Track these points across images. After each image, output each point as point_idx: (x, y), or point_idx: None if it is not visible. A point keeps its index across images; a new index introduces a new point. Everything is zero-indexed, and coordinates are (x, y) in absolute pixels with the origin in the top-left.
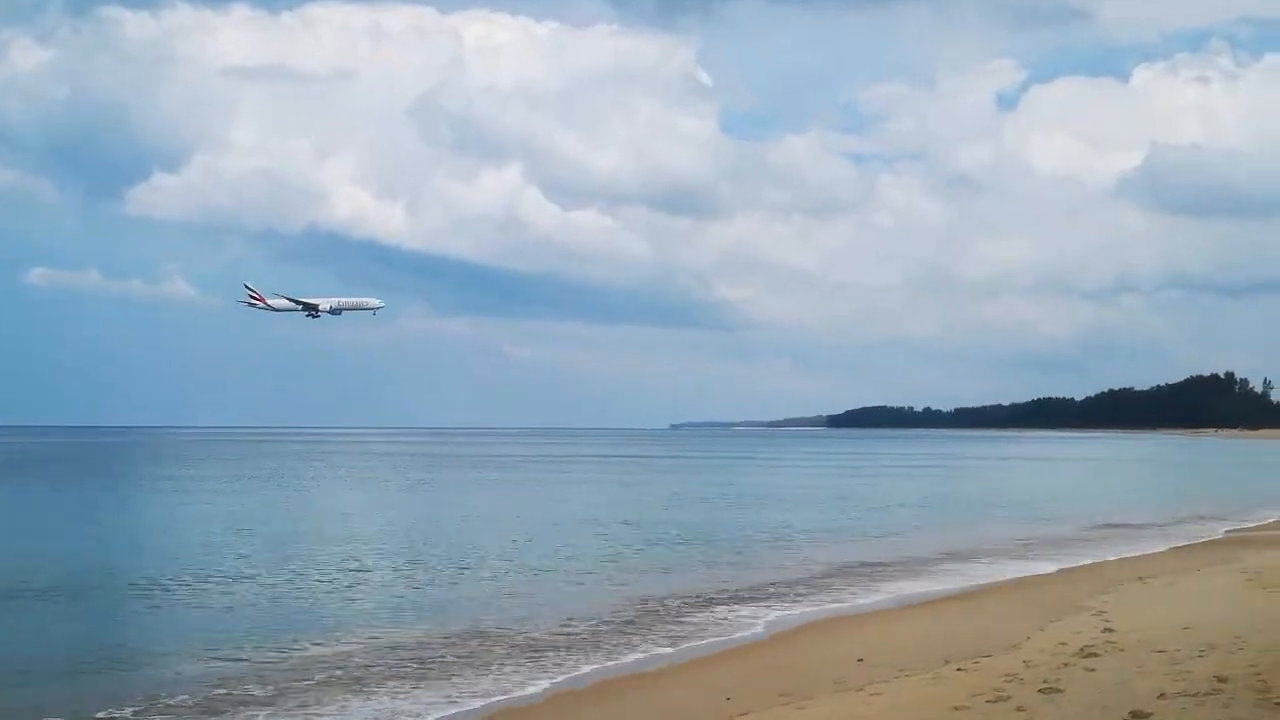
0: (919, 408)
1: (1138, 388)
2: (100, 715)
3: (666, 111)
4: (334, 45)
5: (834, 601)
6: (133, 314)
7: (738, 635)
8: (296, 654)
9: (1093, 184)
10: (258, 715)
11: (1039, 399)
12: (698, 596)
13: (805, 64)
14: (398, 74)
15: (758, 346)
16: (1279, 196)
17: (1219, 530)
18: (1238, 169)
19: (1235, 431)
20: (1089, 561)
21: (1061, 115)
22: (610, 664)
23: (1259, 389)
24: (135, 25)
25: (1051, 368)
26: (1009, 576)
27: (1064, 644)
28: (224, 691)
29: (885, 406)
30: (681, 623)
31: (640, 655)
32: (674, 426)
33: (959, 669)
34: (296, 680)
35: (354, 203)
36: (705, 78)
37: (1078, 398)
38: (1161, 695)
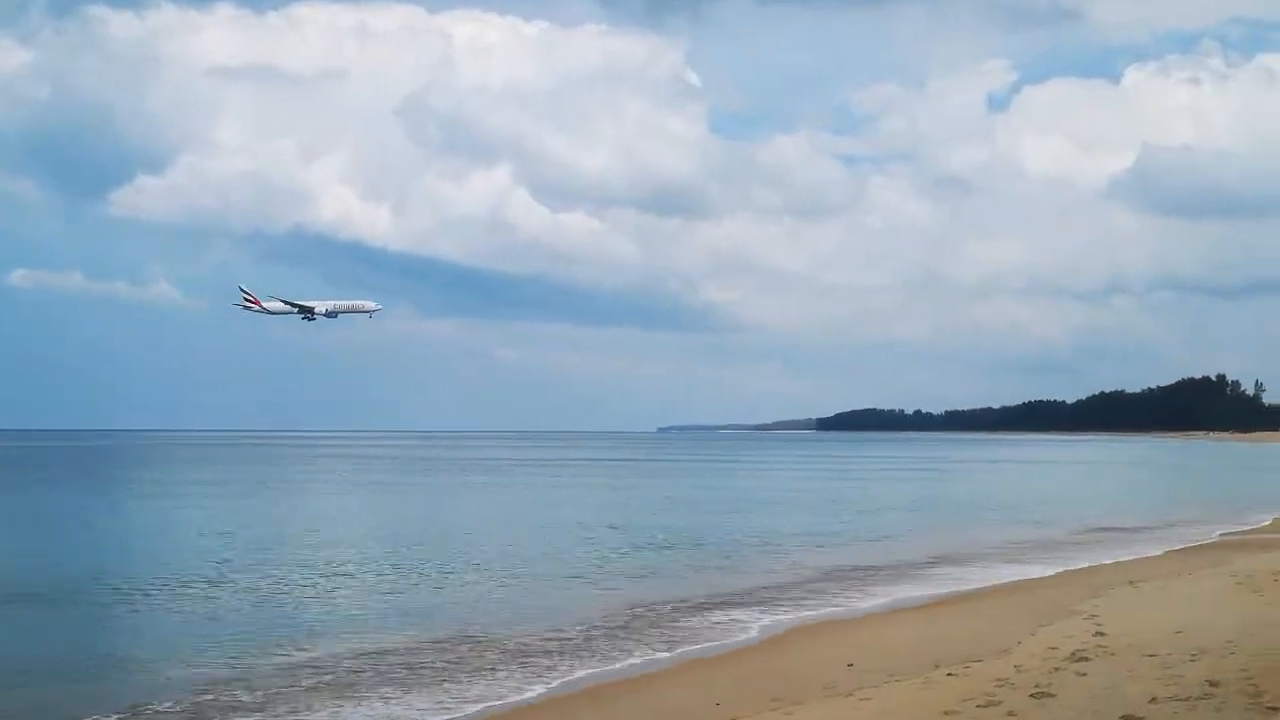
0: (909, 410)
1: (1129, 390)
2: None
3: (655, 112)
4: (320, 45)
5: (824, 606)
6: (117, 316)
7: (728, 640)
8: (283, 659)
9: (1084, 185)
10: None
11: (1030, 402)
12: (687, 601)
13: (795, 64)
14: (385, 74)
15: (747, 349)
16: (1271, 197)
17: (1210, 534)
18: (1229, 170)
19: (1227, 434)
20: (1080, 565)
21: (1053, 116)
22: (601, 669)
23: (1251, 391)
24: (119, 25)
25: (1043, 370)
26: (1000, 580)
27: (1055, 648)
28: (211, 698)
29: (875, 409)
30: (671, 628)
31: (631, 660)
32: (661, 430)
33: (949, 674)
34: (285, 686)
35: (341, 204)
36: (694, 78)
37: (1069, 400)
38: (1153, 699)
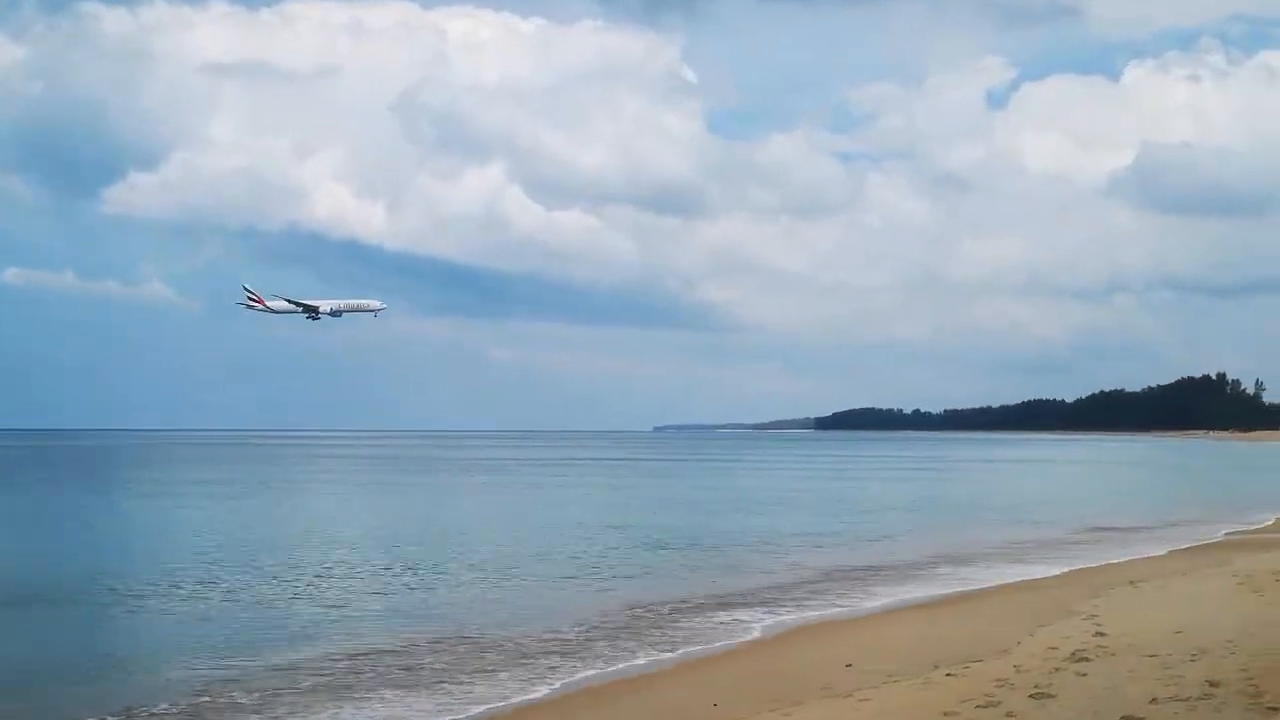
0: (908, 410)
1: (1129, 389)
2: None
3: (652, 109)
4: (314, 41)
5: (823, 606)
6: (110, 314)
7: (726, 641)
8: (281, 660)
9: (1083, 183)
10: None
11: (1029, 401)
12: (685, 601)
13: (792, 61)
14: (379, 71)
15: (744, 348)
16: (1271, 195)
17: (1211, 534)
18: (1229, 168)
19: (1227, 433)
20: (1080, 565)
21: (1052, 114)
22: (599, 670)
23: (1251, 390)
24: (112, 21)
25: (1042, 369)
26: (1000, 580)
27: (1055, 648)
28: (208, 699)
29: (874, 408)
30: (669, 628)
31: (630, 661)
32: (658, 429)
33: (949, 674)
34: (283, 687)
35: (335, 201)
36: (691, 75)
37: (1068, 399)
38: (1153, 700)
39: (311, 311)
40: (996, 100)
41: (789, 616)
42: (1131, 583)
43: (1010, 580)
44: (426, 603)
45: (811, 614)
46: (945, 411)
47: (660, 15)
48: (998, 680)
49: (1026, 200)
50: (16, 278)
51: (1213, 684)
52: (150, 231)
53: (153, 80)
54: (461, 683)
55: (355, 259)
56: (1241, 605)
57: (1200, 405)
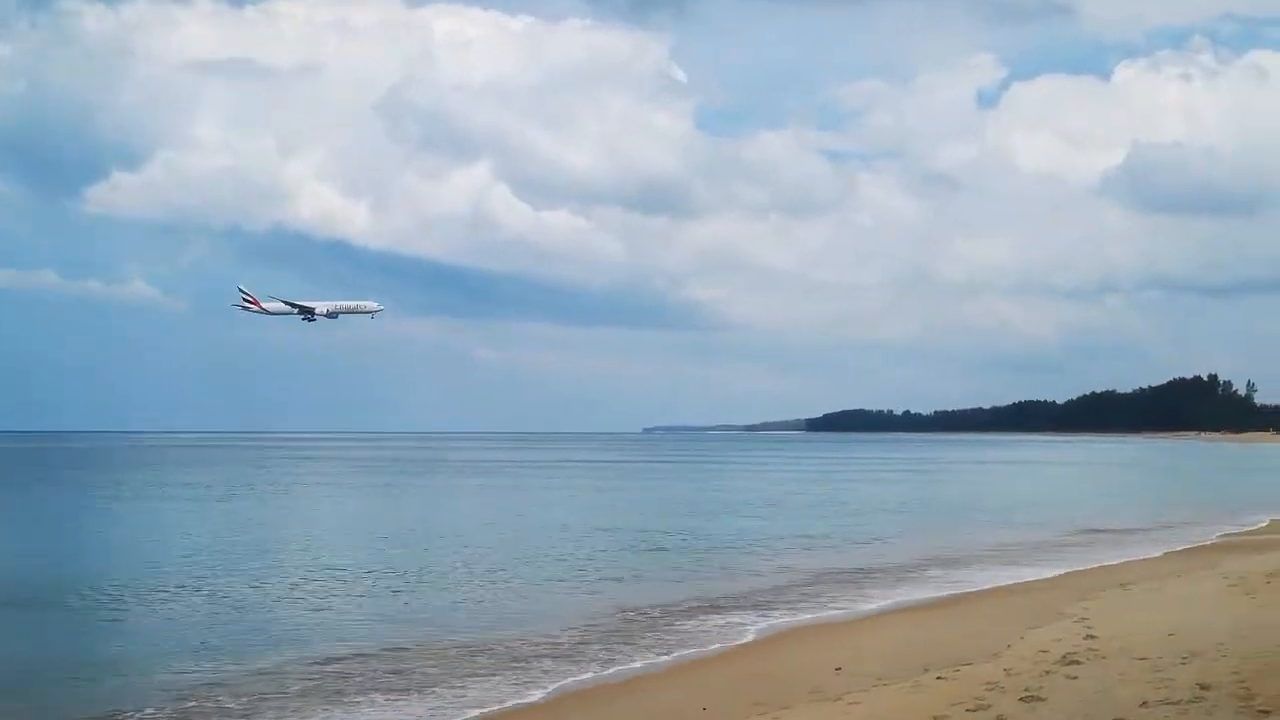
0: (898, 411)
1: (1120, 390)
2: None
3: (640, 108)
4: (299, 39)
5: (813, 609)
6: (92, 315)
7: (716, 644)
8: (268, 664)
9: (1075, 182)
10: None
11: (1020, 402)
12: (675, 604)
13: (781, 60)
14: (364, 69)
15: (734, 348)
16: (1261, 194)
17: (1203, 536)
18: (1220, 167)
19: (1218, 435)
20: (1071, 567)
21: (1043, 113)
22: (588, 674)
23: (1242, 391)
24: (94, 18)
25: (1032, 369)
26: (990, 583)
27: (1045, 651)
28: (194, 704)
29: (864, 410)
30: (659, 631)
31: (619, 665)
32: (647, 430)
33: (939, 677)
34: (271, 692)
35: (320, 201)
36: (679, 74)
37: (1059, 400)
38: (1144, 703)
39: (307, 313)
40: (987, 99)
41: (778, 619)
42: (1123, 585)
43: (1001, 583)
44: (416, 606)
45: (801, 616)
46: (936, 413)
47: (648, 14)
48: (988, 683)
49: (1017, 200)
50: None
51: (1204, 687)
52: (133, 231)
53: (135, 78)
54: (453, 686)
55: (341, 259)
56: (1233, 608)
57: (1191, 406)
